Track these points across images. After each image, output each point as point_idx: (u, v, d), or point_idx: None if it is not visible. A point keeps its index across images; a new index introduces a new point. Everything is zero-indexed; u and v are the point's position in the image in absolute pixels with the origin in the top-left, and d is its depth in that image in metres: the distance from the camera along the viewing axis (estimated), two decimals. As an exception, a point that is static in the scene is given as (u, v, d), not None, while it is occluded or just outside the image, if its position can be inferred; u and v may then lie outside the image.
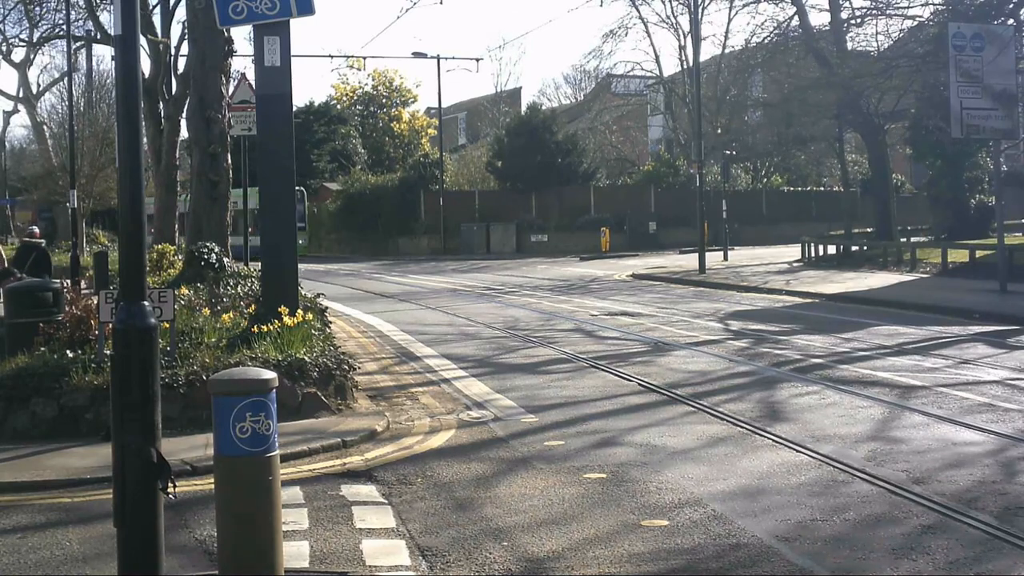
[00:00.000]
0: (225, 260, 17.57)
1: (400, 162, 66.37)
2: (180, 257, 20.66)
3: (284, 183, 12.99)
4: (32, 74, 78.50)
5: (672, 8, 58.77)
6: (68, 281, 19.72)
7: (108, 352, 8.35)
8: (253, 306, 12.99)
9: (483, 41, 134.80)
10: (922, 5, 36.02)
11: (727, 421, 10.38)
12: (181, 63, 30.88)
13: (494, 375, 13.82)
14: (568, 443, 9.62)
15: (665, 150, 64.69)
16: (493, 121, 72.50)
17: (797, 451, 9.05)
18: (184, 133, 27.80)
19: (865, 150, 46.61)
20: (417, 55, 59.25)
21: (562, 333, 18.08)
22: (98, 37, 36.45)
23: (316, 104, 67.32)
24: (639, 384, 12.70)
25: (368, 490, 8.12)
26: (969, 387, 12.03)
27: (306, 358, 11.01)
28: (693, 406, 11.25)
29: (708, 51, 64.28)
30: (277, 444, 5.76)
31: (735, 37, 65.55)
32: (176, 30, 33.80)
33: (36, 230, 26.38)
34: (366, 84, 71.62)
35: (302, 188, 56.15)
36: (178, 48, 32.12)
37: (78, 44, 39.34)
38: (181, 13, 30.35)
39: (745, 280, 29.58)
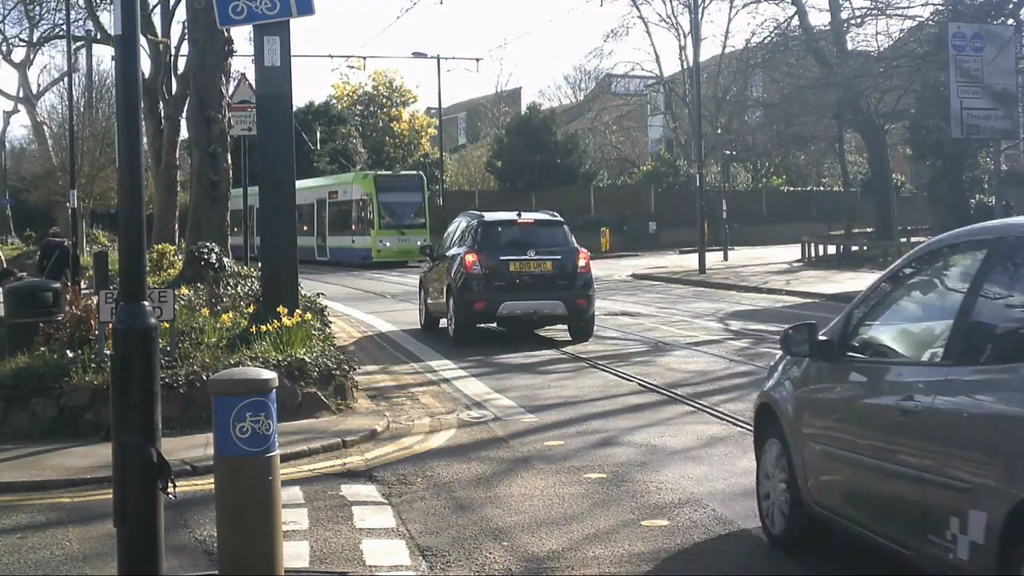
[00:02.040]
0: (225, 260, 17.57)
1: (400, 162, 66.35)
2: (180, 257, 20.66)
3: (284, 183, 12.99)
4: (32, 74, 78.56)
5: (672, 8, 58.78)
6: (68, 281, 19.71)
7: (108, 352, 8.35)
8: (253, 306, 12.99)
9: (483, 41, 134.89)
10: (922, 5, 36.08)
11: (727, 421, 10.38)
12: (181, 63, 30.89)
13: (494, 375, 13.83)
14: (568, 443, 9.62)
15: (665, 150, 64.71)
16: (493, 121, 72.49)
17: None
18: (184, 133, 27.80)
19: (865, 150, 46.61)
20: (417, 55, 59.25)
21: (562, 332, 18.06)
22: (98, 37, 36.46)
23: (316, 104, 67.30)
24: (639, 384, 12.71)
25: (368, 490, 8.12)
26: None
27: (306, 358, 11.01)
28: (693, 406, 11.25)
29: (708, 51, 64.33)
30: (277, 444, 5.75)
31: (735, 37, 65.73)
32: (176, 30, 33.80)
33: (59, 229, 26.46)
34: (366, 84, 71.61)
35: (422, 173, 52.82)
36: (178, 48, 32.13)
37: (78, 44, 39.32)
38: (181, 13, 30.37)
39: (745, 280, 29.57)
